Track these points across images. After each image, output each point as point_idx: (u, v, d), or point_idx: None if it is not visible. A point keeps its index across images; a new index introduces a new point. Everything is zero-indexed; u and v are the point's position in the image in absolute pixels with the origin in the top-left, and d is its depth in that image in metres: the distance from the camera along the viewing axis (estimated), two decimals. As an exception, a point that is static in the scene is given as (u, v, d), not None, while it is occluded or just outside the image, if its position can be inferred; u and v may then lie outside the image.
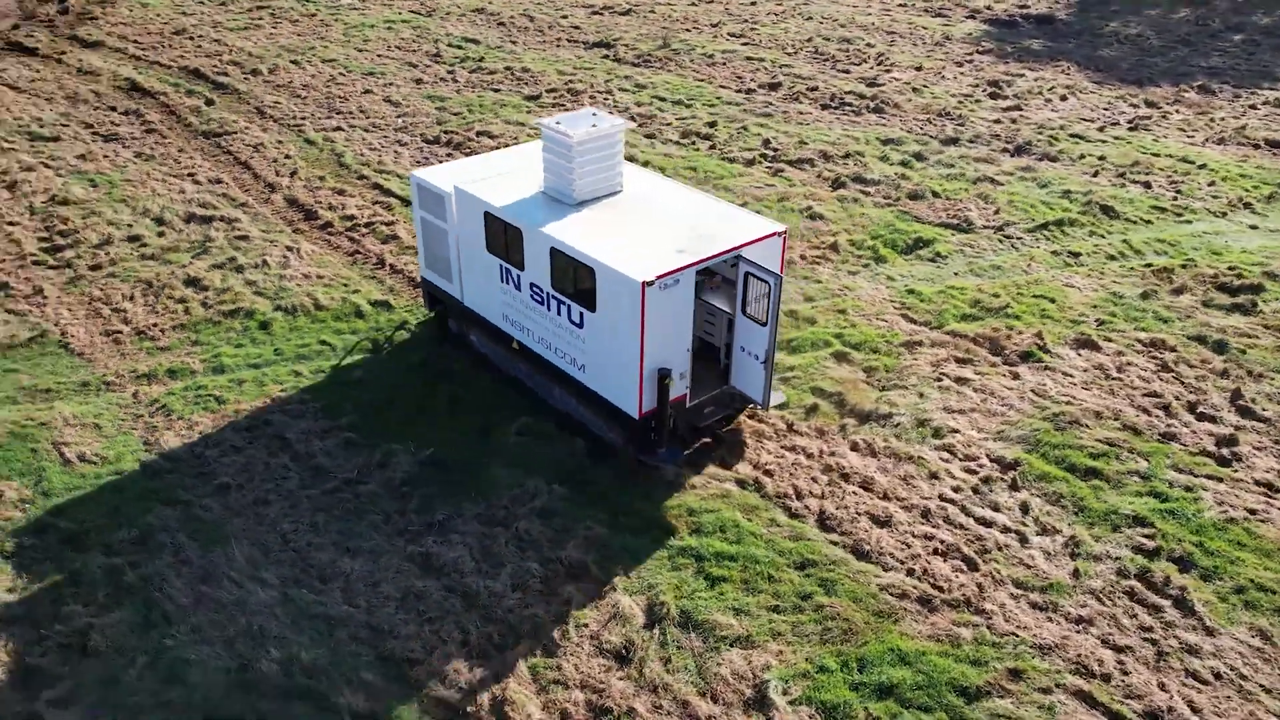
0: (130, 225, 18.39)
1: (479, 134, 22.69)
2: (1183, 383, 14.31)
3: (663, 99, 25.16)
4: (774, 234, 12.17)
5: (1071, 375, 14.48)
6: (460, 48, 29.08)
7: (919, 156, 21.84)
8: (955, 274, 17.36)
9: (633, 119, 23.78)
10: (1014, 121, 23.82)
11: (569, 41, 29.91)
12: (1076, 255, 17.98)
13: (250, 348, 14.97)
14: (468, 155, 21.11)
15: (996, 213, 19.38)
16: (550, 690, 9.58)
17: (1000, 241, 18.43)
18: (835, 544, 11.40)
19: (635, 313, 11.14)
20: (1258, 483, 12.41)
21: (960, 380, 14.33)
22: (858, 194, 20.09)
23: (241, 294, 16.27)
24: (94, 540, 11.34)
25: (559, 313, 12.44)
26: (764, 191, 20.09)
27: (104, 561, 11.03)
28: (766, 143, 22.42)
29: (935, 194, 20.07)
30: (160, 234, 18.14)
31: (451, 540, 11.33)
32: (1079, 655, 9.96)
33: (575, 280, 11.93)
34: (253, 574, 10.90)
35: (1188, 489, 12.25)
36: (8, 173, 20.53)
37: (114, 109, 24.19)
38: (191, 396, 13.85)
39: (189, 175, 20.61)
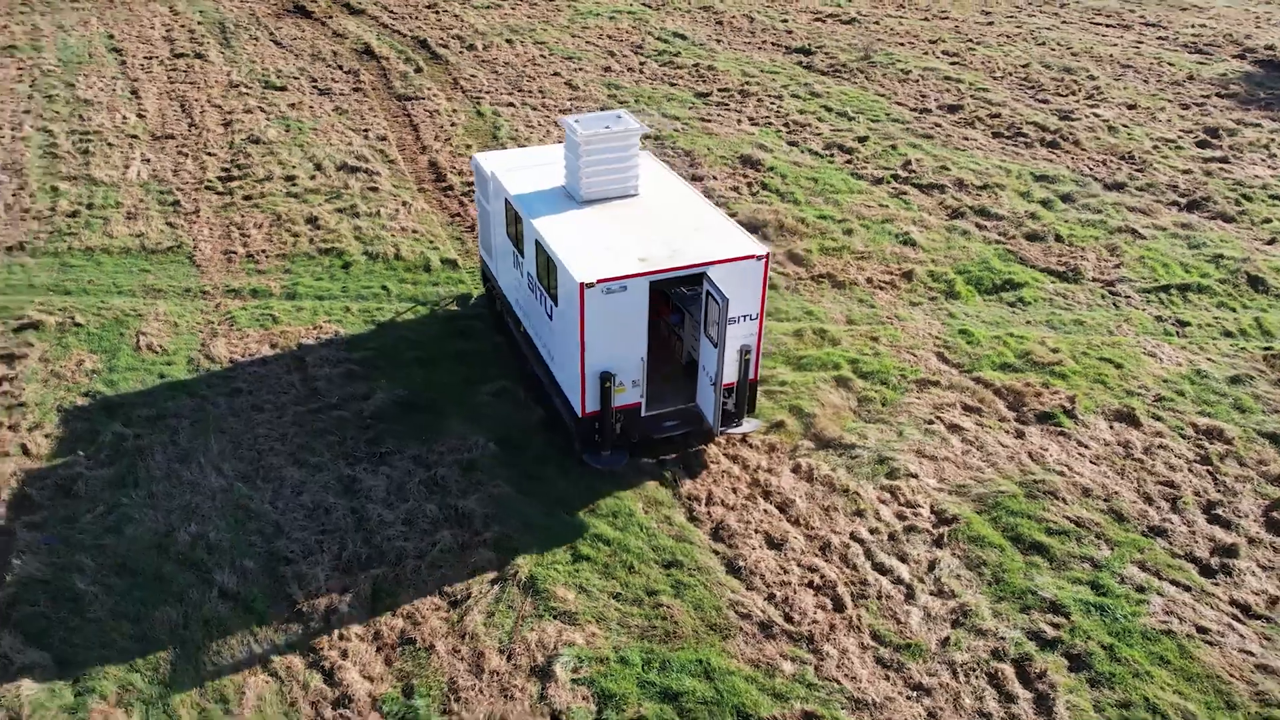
0: (294, 167, 21.23)
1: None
2: (1215, 479, 12.60)
3: (828, 109, 24.87)
4: (751, 257, 11.82)
5: (1086, 447, 13.18)
6: (665, 41, 30.16)
7: (1066, 198, 20.19)
8: (1027, 322, 16.12)
9: (785, 125, 23.79)
10: (1208, 174, 21.27)
11: (773, 45, 30.12)
12: (1184, 325, 16.05)
13: (325, 281, 17.00)
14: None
15: (1117, 266, 17.63)
16: (379, 612, 10.52)
17: (1102, 298, 16.80)
18: (715, 553, 11.39)
19: (576, 312, 11.38)
20: (1234, 602, 10.83)
21: (953, 428, 13.50)
22: (971, 226, 19.01)
23: (343, 236, 18.42)
24: (121, 413, 13.67)
25: (541, 303, 12.96)
26: (871, 211, 19.54)
27: (119, 430, 13.30)
28: (907, 164, 21.64)
29: (1059, 238, 18.56)
30: (312, 177, 20.80)
31: (379, 471, 12.53)
32: None
33: (549, 274, 12.31)
34: (216, 464, 12.70)
35: (1139, 589, 10.94)
36: (231, 113, 24.26)
37: (340, 68, 27.65)
38: (255, 314, 16.06)
39: (363, 130, 23.31)
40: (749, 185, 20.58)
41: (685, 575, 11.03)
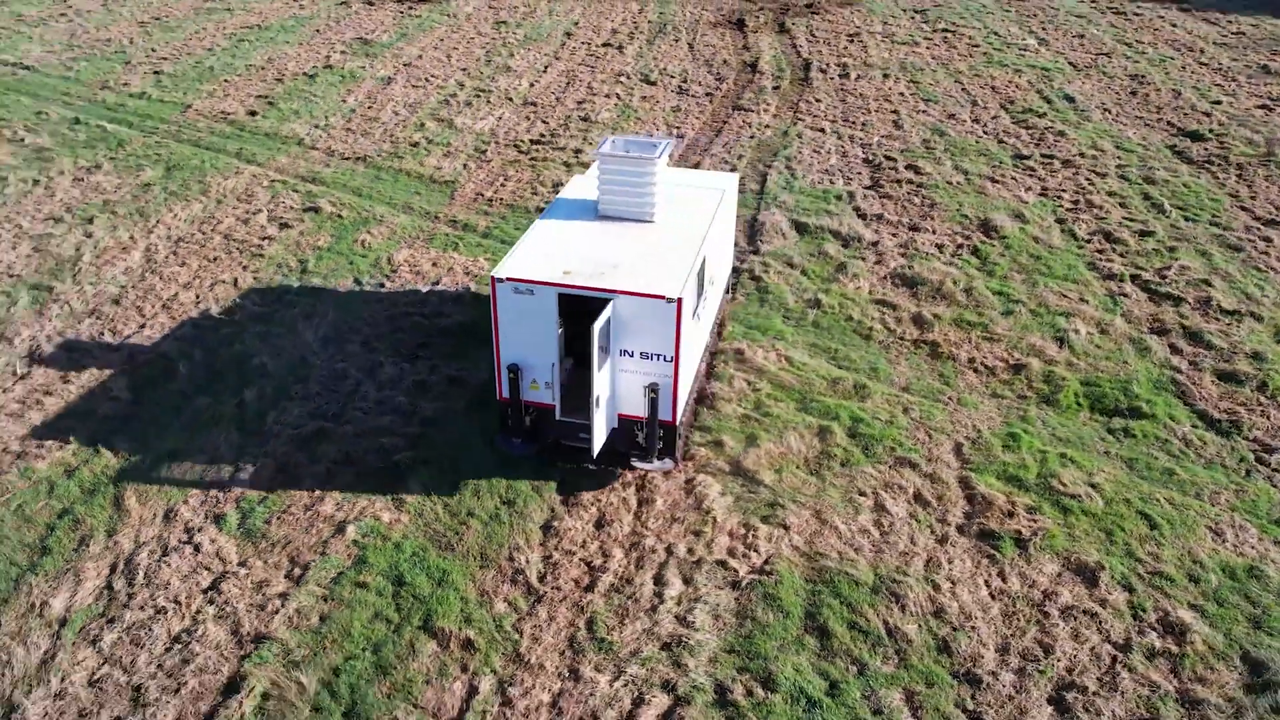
0: (580, 146, 24.86)
1: (907, 168, 23.48)
2: (1104, 672, 10.47)
3: (1146, 198, 22.05)
4: (660, 297, 11.67)
5: (999, 580, 11.63)
6: (1046, 101, 28.42)
7: (1335, 351, 16.21)
8: (1105, 452, 13.93)
9: (1073, 202, 21.75)
10: None
11: (1164, 123, 26.80)
12: (1310, 521, 12.68)
13: (517, 232, 20.33)
14: (872, 185, 22.59)
15: (1301, 436, 14.16)
16: (312, 448, 13.62)
17: (1240, 460, 13.75)
18: (539, 520, 12.59)
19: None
20: (970, 772, 9.40)
21: (879, 508, 12.68)
22: (1161, 346, 16.31)
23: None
24: (304, 278, 18.39)
25: None
26: (1058, 302, 17.64)
27: (293, 285, 18.00)
28: (1165, 269, 18.79)
29: (1262, 386, 15.26)
30: (577, 152, 24.25)
31: (400, 366, 15.55)
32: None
33: None
34: (317, 328, 16.73)
35: (878, 714, 9.96)
36: (594, 96, 28.65)
37: (715, 75, 30.73)
38: (448, 239, 19.94)
39: (672, 129, 26.17)
40: (959, 247, 19.60)
41: (498, 525, 12.42)
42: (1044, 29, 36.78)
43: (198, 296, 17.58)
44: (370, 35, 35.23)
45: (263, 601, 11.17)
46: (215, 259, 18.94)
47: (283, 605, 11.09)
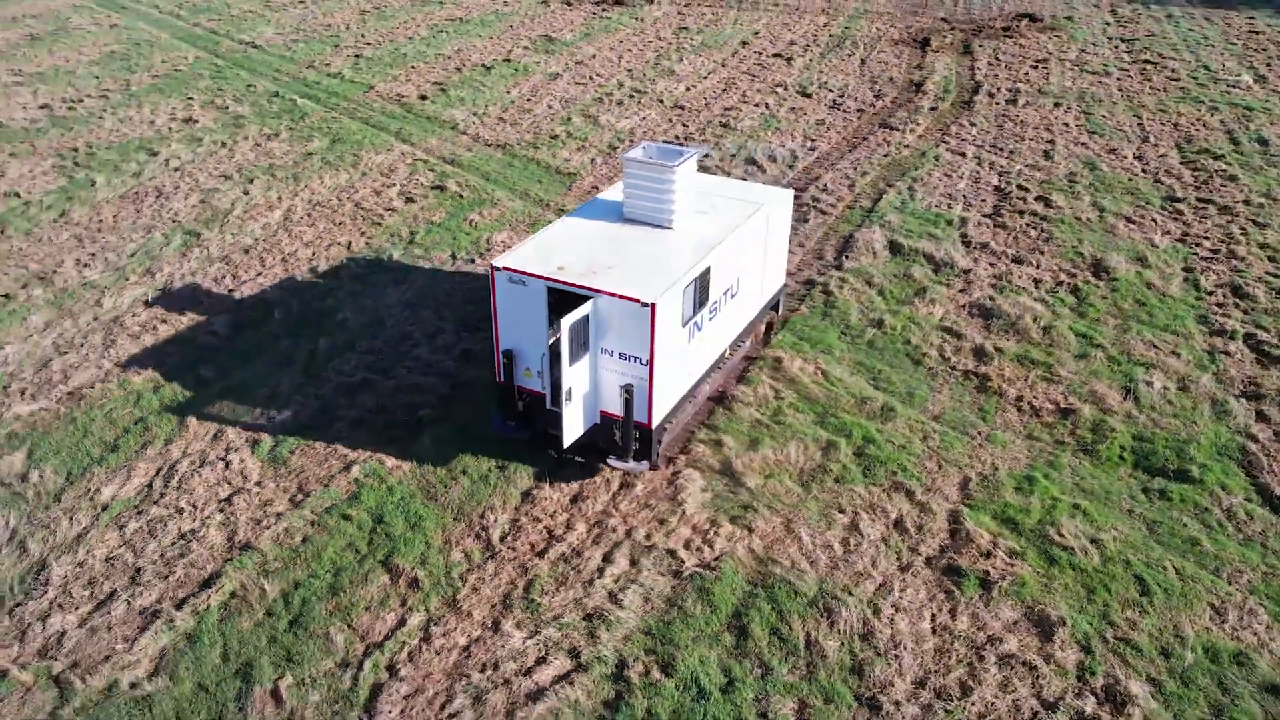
0: (731, 152, 25.40)
1: (1037, 199, 22.48)
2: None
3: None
4: (636, 300, 11.89)
5: (946, 615, 11.33)
6: (1234, 143, 26.19)
7: None
8: (1129, 511, 13.09)
9: (1211, 252, 20.11)
10: None
11: (1367, 176, 24.03)
12: (1336, 616, 11.45)
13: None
14: (992, 213, 21.91)
15: (1367, 527, 12.73)
16: (356, 394, 15.13)
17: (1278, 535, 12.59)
18: (520, 484, 13.39)
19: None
20: (832, 789, 9.38)
21: (852, 527, 12.58)
22: (1245, 410, 14.99)
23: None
24: (408, 247, 20.09)
25: None
26: (1146, 351, 16.51)
27: (399, 253, 19.74)
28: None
29: (1346, 469, 13.77)
30: (721, 161, 24.77)
31: (460, 334, 16.83)
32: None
33: None
34: (404, 294, 18.33)
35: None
36: (733, 106, 29.11)
37: (875, 93, 30.37)
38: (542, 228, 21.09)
39: (806, 139, 26.22)
40: (1058, 284, 18.66)
41: (484, 485, 13.32)
42: (1268, 65, 33.54)
43: (313, 254, 19.63)
44: (556, 33, 37.21)
45: (261, 518, 12.62)
46: (340, 223, 21.01)
47: (276, 523, 12.50)
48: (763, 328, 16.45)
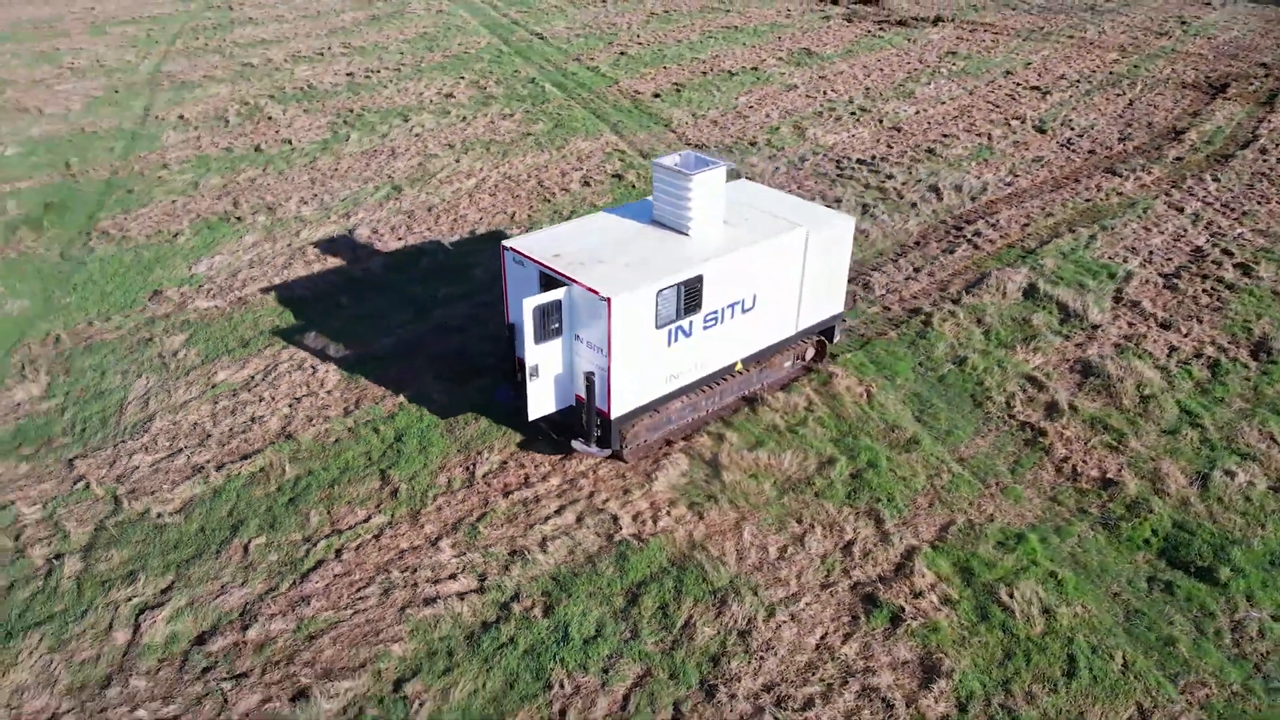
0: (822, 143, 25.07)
1: (1236, 266, 20.22)
2: None
3: None
4: (596, 293, 12.50)
5: (869, 656, 11.32)
6: None
7: None
8: (1117, 595, 12.10)
9: (1253, 349, 17.21)
10: None
11: None
12: (1287, 755, 10.08)
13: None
14: (1173, 274, 20.22)
15: (1401, 678, 10.90)
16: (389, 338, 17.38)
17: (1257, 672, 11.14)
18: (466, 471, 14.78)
19: None
20: (627, 749, 10.02)
21: (797, 539, 12.74)
22: (1331, 525, 13.10)
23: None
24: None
25: None
26: (1256, 442, 14.75)
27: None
28: None
29: None
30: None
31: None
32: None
33: None
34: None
35: None
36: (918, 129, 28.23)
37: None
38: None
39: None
40: (1196, 356, 16.90)
41: (495, 429, 14.87)
42: None
43: (480, 219, 22.18)
44: (818, 48, 37.71)
45: (314, 417, 15.07)
46: (517, 197, 23.44)
47: (322, 424, 14.89)
48: (810, 352, 16.42)
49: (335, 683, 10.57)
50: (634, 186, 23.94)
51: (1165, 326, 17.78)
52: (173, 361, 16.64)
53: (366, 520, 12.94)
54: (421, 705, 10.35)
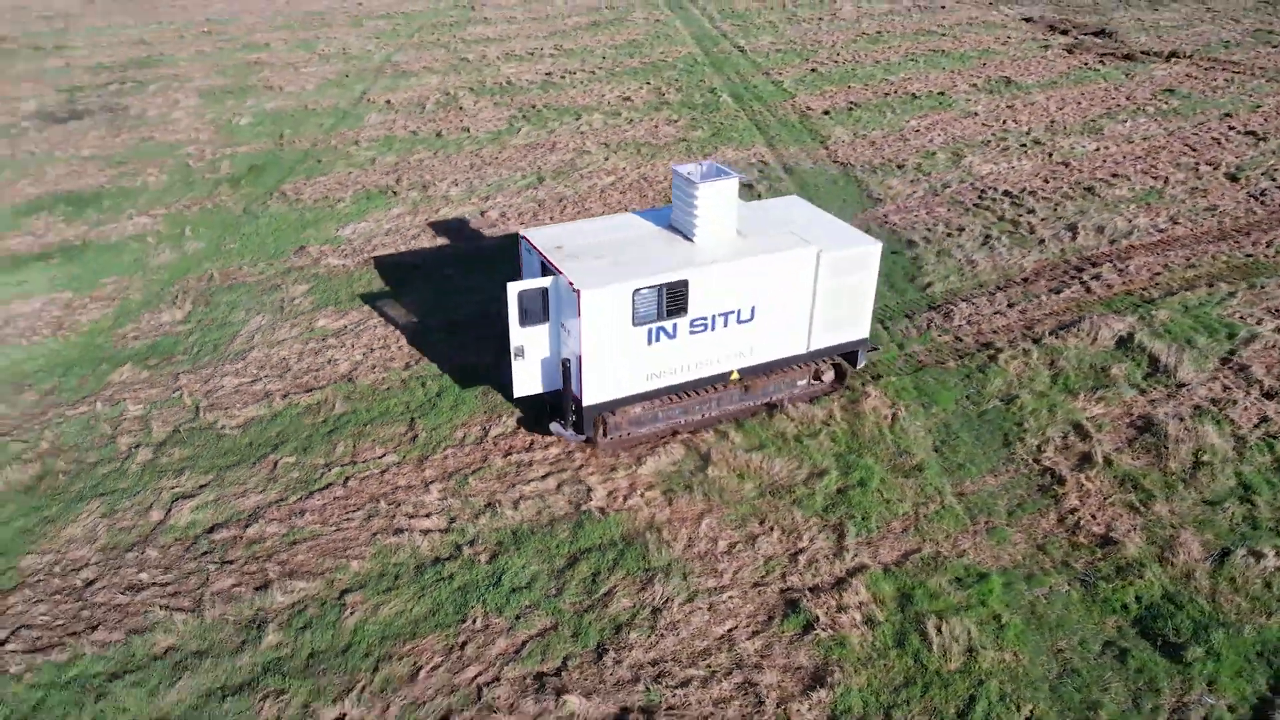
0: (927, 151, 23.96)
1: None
2: (707, 733, 10.39)
3: None
4: (571, 283, 13.30)
5: (764, 659, 11.67)
6: None
7: None
8: (1060, 651, 11.63)
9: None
10: None
11: None
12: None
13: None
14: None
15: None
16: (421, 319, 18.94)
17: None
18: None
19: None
20: None
21: (751, 537, 13.09)
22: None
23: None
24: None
25: None
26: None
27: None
28: None
29: None
30: (919, 166, 23.45)
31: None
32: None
33: None
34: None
35: None
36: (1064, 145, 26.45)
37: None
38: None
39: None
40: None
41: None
42: None
43: (600, 212, 23.55)
44: (1020, 77, 36.15)
45: (377, 366, 16.99)
46: (643, 196, 24.60)
47: (382, 374, 16.77)
48: (830, 374, 16.38)
49: (294, 582, 12.22)
50: (759, 196, 24.43)
51: (1269, 396, 16.20)
52: (289, 306, 19.20)
53: (381, 457, 14.60)
54: (353, 613, 11.77)
